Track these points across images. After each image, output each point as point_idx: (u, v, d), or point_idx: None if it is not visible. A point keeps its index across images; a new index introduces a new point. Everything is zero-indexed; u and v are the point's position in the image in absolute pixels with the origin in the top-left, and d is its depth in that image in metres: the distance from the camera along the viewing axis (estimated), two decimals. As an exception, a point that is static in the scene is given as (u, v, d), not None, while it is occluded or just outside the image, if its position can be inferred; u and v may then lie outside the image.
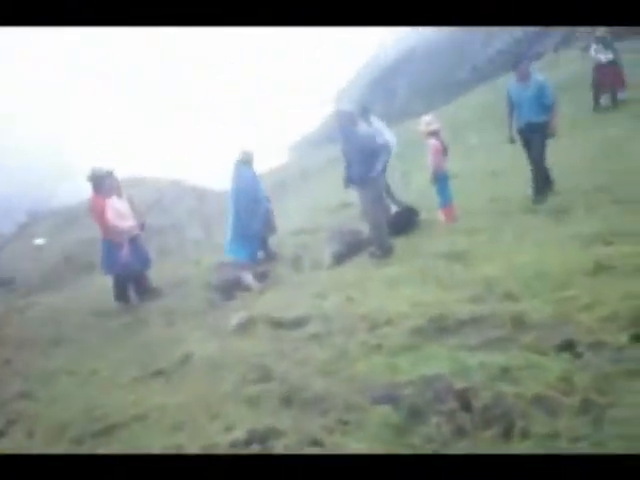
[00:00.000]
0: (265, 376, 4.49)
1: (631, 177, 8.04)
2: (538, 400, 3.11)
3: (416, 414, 3.40)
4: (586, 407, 2.93)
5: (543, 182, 8.42)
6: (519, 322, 4.21)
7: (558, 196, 8.20)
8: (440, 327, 4.54)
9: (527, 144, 8.55)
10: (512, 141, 8.71)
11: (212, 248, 13.44)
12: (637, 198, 7.05)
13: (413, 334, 4.56)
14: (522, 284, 5.03)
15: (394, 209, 9.42)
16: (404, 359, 4.14)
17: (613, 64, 13.77)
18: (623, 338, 3.60)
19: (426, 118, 8.60)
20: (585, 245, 5.72)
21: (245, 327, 6.00)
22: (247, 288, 7.76)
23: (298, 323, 5.70)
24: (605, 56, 13.81)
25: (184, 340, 6.22)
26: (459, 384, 3.53)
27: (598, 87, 13.96)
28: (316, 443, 3.33)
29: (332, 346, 4.79)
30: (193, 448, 3.55)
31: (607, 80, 13.78)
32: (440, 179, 8.55)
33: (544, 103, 8.28)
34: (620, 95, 13.87)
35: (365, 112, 9.21)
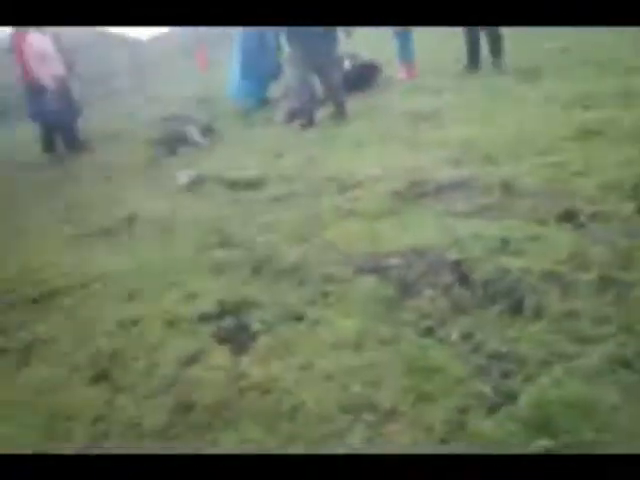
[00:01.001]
0: (227, 242, 4.03)
1: (594, 38, 7.64)
2: (549, 275, 2.82)
3: (406, 287, 3.06)
4: (606, 285, 2.65)
5: (497, 42, 7.80)
6: (508, 188, 3.87)
7: (523, 57, 7.73)
8: (419, 192, 4.16)
9: None
10: None
11: (146, 101, 12.45)
12: (608, 58, 6.69)
13: (389, 198, 4.17)
14: (503, 147, 4.66)
15: (347, 64, 8.73)
16: (384, 226, 3.75)
17: None
18: (627, 208, 3.31)
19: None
20: (565, 108, 5.36)
21: (195, 186, 5.46)
22: (194, 144, 7.07)
23: (255, 184, 5.20)
24: None
25: (125, 199, 5.60)
26: (453, 255, 3.20)
27: None
28: (297, 317, 2.97)
29: (299, 209, 4.35)
30: (154, 320, 3.13)
31: None
32: (402, 33, 7.87)
33: None
34: None
35: None
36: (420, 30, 8.61)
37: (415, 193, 4.14)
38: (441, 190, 4.10)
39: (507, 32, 7.74)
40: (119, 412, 2.53)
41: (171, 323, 3.11)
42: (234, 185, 5.20)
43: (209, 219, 4.49)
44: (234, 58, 8.67)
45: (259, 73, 8.44)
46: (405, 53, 7.96)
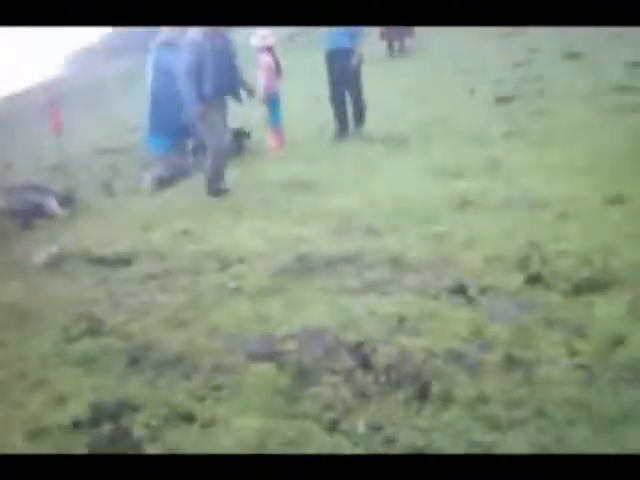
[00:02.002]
0: (96, 329, 3.59)
1: (452, 113, 8.08)
2: (452, 356, 2.72)
3: (305, 374, 2.85)
4: (511, 364, 2.60)
5: (362, 110, 8.00)
6: (396, 261, 3.82)
7: (387, 126, 7.96)
8: (306, 266, 3.99)
9: (332, 69, 7.97)
10: None
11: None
12: (466, 133, 7.05)
13: (275, 275, 3.97)
14: (384, 217, 4.66)
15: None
16: (273, 306, 3.53)
17: None
18: (515, 281, 3.35)
19: (262, 32, 7.75)
20: (438, 178, 5.50)
21: (55, 265, 4.92)
22: (51, 215, 6.45)
23: (124, 260, 4.77)
24: None
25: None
26: (350, 336, 3.04)
27: (387, 35, 13.71)
28: (186, 417, 2.64)
29: (177, 290, 4.01)
30: (16, 437, 2.64)
31: (394, 29, 13.43)
32: (271, 100, 7.87)
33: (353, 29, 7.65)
34: (408, 43, 13.94)
35: None
36: (287, 97, 8.69)
37: (302, 268, 3.97)
38: (329, 265, 3.97)
39: (371, 101, 7.99)
40: None
41: (35, 434, 2.64)
42: (99, 262, 4.75)
43: (73, 303, 4.02)
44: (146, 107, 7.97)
45: (170, 128, 7.71)
46: (273, 119, 7.93)
